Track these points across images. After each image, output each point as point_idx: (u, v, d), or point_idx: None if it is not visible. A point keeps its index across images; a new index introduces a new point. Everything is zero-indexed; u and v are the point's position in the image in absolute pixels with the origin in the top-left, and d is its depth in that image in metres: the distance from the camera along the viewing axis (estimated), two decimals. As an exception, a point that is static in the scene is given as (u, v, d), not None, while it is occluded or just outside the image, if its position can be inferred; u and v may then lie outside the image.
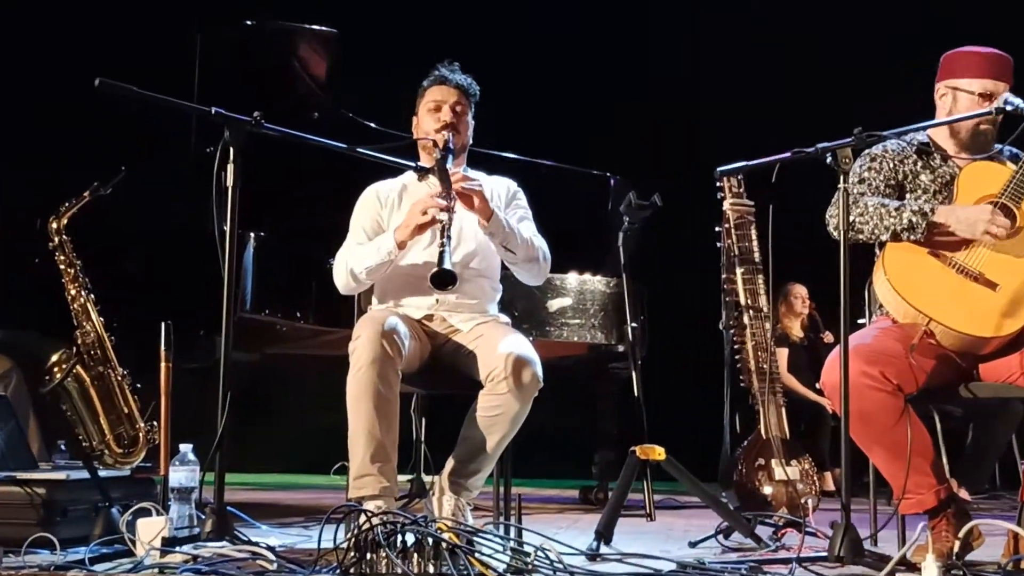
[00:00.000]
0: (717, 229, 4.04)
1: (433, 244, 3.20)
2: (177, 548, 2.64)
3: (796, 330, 6.49)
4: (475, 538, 2.50)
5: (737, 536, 3.35)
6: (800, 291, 6.45)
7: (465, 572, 2.32)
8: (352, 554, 2.35)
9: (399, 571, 2.29)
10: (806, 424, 5.95)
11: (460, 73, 3.43)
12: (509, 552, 2.52)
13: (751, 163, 3.02)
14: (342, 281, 3.32)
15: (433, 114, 3.38)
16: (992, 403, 3.07)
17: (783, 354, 6.22)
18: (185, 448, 2.89)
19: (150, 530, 2.70)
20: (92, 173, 4.15)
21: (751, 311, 3.96)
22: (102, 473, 3.17)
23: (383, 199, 3.43)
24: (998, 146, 3.21)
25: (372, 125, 4.94)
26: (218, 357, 2.83)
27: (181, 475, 2.85)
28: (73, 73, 3.89)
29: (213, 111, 2.84)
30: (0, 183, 5.11)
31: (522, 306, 4.47)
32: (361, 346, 3.03)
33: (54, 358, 3.99)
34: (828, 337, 6.39)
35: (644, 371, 4.65)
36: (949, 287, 3.01)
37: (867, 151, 3.20)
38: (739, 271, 3.97)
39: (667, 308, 5.38)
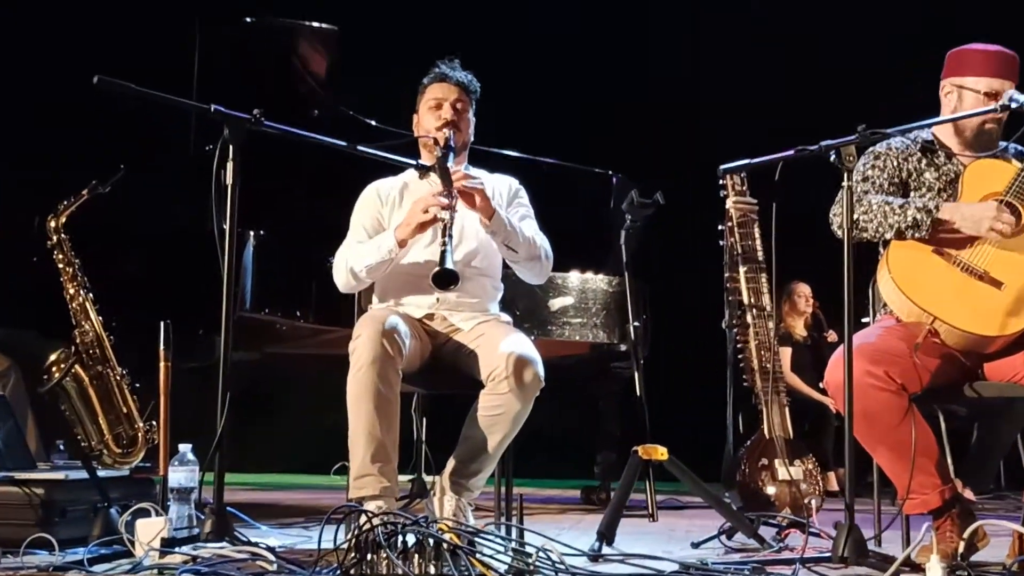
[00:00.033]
0: (720, 227, 4.03)
1: (434, 243, 3.19)
2: (176, 549, 2.63)
3: (799, 329, 6.47)
4: (476, 539, 2.49)
5: (740, 537, 3.34)
6: (804, 290, 6.44)
7: (466, 573, 2.31)
8: (352, 555, 2.34)
9: (400, 572, 2.28)
10: (809, 424, 5.94)
11: (461, 70, 3.42)
12: (511, 553, 2.50)
13: (754, 161, 3.02)
14: (342, 280, 3.31)
15: (434, 112, 3.36)
16: (997, 402, 3.04)
17: (786, 353, 6.20)
18: (184, 448, 2.89)
19: (149, 531, 2.70)
20: (91, 172, 4.14)
21: (754, 310, 3.96)
22: (101, 473, 3.16)
23: (384, 197, 3.42)
24: (1003, 143, 3.20)
25: (372, 123, 4.93)
26: (217, 356, 2.82)
27: (180, 475, 2.85)
28: (72, 71, 3.87)
29: (212, 109, 2.83)
30: (-1, 182, 5.11)
31: (523, 305, 4.45)
32: (361, 345, 3.01)
33: (52, 357, 3.98)
34: (832, 336, 6.38)
35: (646, 370, 4.64)
36: (954, 286, 3.00)
37: (871, 149, 3.19)
38: (742, 269, 3.97)
39: (670, 307, 5.37)
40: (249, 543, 2.70)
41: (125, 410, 4.02)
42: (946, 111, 3.19)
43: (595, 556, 2.98)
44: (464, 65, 3.46)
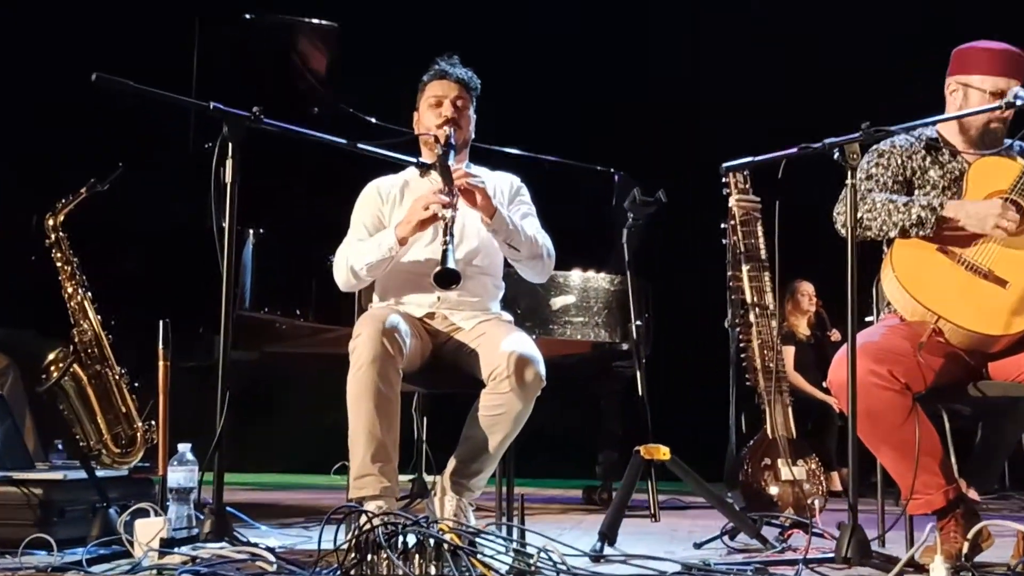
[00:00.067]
0: (723, 226, 4.02)
1: (435, 241, 3.18)
2: (175, 549, 2.62)
3: (803, 328, 6.46)
4: (477, 539, 2.48)
5: (743, 537, 3.33)
6: (807, 288, 6.42)
7: (467, 574, 2.31)
8: (353, 555, 2.33)
9: (400, 573, 2.27)
10: (813, 423, 5.92)
11: (461, 67, 3.40)
12: (512, 553, 2.50)
13: (757, 159, 3.01)
14: (342, 278, 3.29)
15: (434, 109, 3.35)
16: (1002, 402, 3.03)
17: (789, 352, 6.18)
18: (184, 448, 2.88)
19: (148, 531, 2.69)
20: (90, 170, 4.13)
21: (757, 309, 3.95)
22: (100, 473, 3.16)
23: (384, 195, 3.40)
24: (1008, 141, 3.18)
25: (373, 120, 4.91)
26: (217, 355, 2.81)
27: (180, 475, 2.84)
28: (70, 70, 3.86)
29: (212, 106, 2.83)
30: (-2, 181, 5.11)
31: (525, 304, 4.44)
32: (361, 344, 3.00)
33: (51, 356, 3.97)
34: (835, 335, 6.37)
35: (648, 369, 4.63)
36: (958, 284, 2.98)
37: (874, 147, 3.18)
38: (745, 268, 3.96)
39: (672, 306, 5.37)
40: (249, 543, 2.69)
41: (124, 409, 4.01)
42: (951, 109, 3.17)
43: (597, 557, 2.97)
44: (464, 65, 3.44)
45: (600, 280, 4.71)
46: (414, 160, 3.22)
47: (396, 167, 3.41)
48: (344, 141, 3.14)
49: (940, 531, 2.90)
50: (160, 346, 3.26)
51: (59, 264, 4.04)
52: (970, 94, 3.12)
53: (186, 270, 4.08)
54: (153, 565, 2.56)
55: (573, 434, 5.82)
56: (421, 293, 3.28)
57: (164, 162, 4.91)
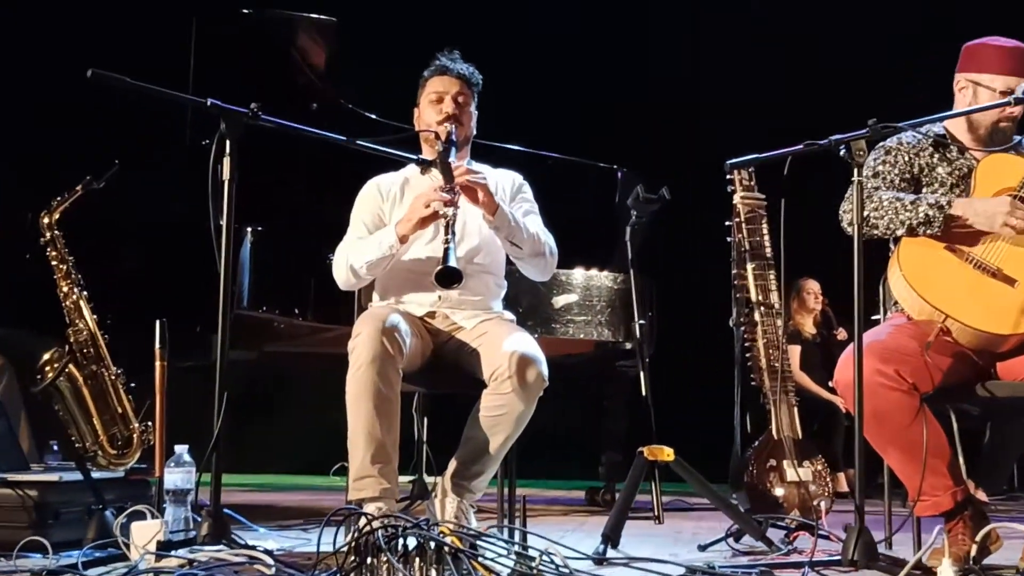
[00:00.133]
0: (727, 223, 4.00)
1: (436, 239, 3.16)
2: (172, 552, 2.61)
3: (808, 327, 6.45)
4: (478, 542, 2.47)
5: (748, 539, 3.33)
6: (813, 287, 6.41)
7: (469, 577, 2.28)
8: (352, 558, 2.31)
9: (401, 576, 2.24)
10: (819, 424, 5.92)
11: (462, 62, 3.38)
12: (513, 556, 2.48)
13: (762, 156, 3.01)
14: (342, 277, 3.27)
15: (435, 106, 3.32)
16: (1010, 402, 3.01)
17: (795, 351, 6.19)
18: (181, 449, 2.87)
19: (145, 533, 2.67)
20: (85, 167, 4.10)
21: (762, 307, 3.93)
22: (95, 475, 3.17)
23: (384, 192, 3.38)
24: (1017, 138, 3.17)
25: (373, 117, 4.90)
26: (214, 355, 2.80)
27: (177, 477, 2.82)
28: (67, 67, 3.84)
29: (209, 103, 2.81)
30: (-4, 180, 5.09)
31: (527, 303, 4.42)
32: (361, 344, 2.97)
33: (46, 357, 3.94)
34: (841, 334, 6.36)
35: (652, 369, 4.63)
36: (966, 283, 2.96)
37: (881, 144, 3.17)
38: (750, 266, 3.94)
39: (676, 304, 5.37)
40: (247, 546, 2.68)
41: (120, 410, 3.97)
42: (959, 106, 3.15)
43: (600, 559, 2.97)
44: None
45: (603, 278, 4.69)
46: (415, 157, 3.22)
47: (396, 164, 3.39)
48: (343, 138, 3.13)
49: (948, 533, 2.88)
50: (157, 346, 3.25)
51: (54, 263, 4.01)
52: (979, 92, 3.10)
53: (183, 269, 4.09)
54: (150, 568, 2.55)
55: (576, 435, 5.82)
56: (422, 292, 3.26)
57: (161, 160, 4.91)
